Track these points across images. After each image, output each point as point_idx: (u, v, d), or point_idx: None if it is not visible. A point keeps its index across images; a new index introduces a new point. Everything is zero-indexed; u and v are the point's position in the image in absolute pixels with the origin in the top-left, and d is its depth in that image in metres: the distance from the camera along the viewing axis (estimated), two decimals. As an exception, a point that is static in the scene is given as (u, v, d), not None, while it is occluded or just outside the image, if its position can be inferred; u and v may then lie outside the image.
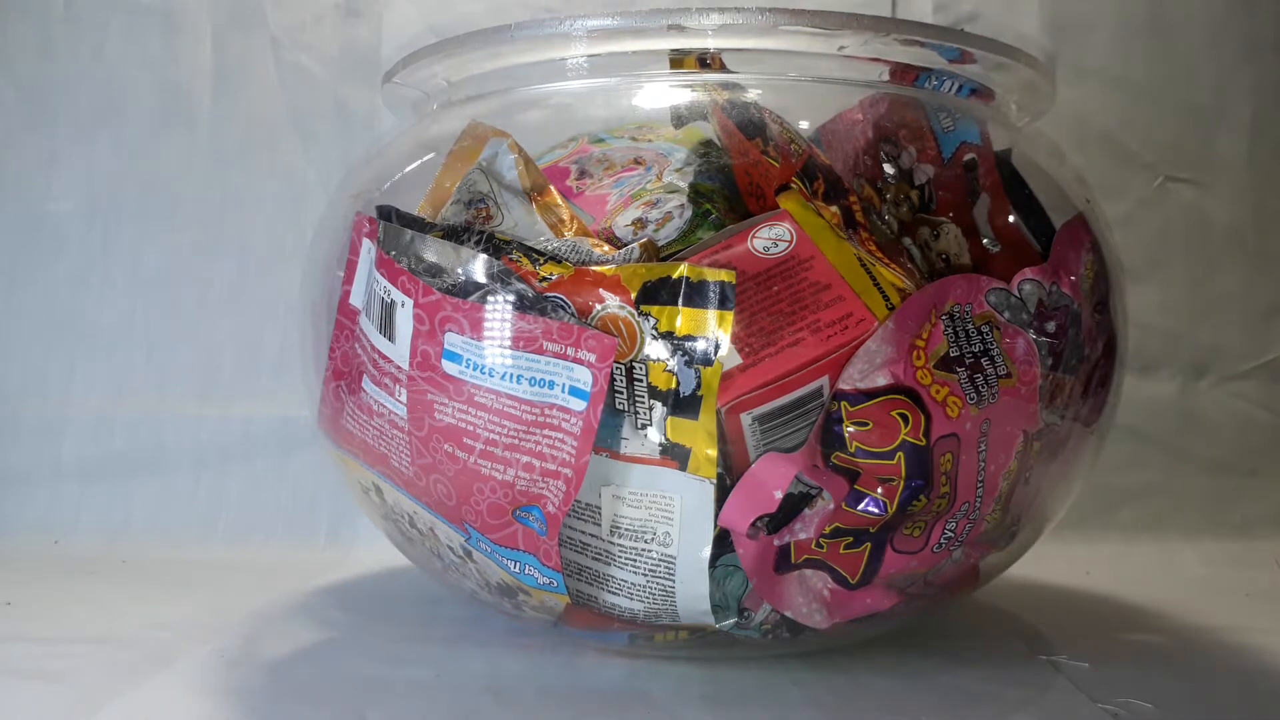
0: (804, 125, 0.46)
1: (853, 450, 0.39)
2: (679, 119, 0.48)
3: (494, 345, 0.39)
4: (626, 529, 0.40)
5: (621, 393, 0.38)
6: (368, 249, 0.43)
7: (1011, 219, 0.46)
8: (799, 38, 0.44)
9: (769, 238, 0.40)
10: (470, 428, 0.39)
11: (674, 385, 0.38)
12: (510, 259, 0.39)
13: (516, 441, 0.39)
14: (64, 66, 0.76)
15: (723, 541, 0.40)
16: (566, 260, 0.39)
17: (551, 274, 0.39)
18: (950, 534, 0.42)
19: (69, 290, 0.76)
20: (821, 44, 0.45)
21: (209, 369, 0.75)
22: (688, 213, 0.42)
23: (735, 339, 0.38)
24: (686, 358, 0.38)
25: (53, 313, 0.76)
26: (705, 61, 0.45)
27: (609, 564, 0.41)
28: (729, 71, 0.46)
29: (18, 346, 0.75)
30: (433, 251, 0.41)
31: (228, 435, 0.74)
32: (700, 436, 0.38)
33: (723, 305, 0.37)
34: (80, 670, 0.45)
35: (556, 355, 0.38)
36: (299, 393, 0.53)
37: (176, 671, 0.45)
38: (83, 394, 0.75)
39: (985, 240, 0.45)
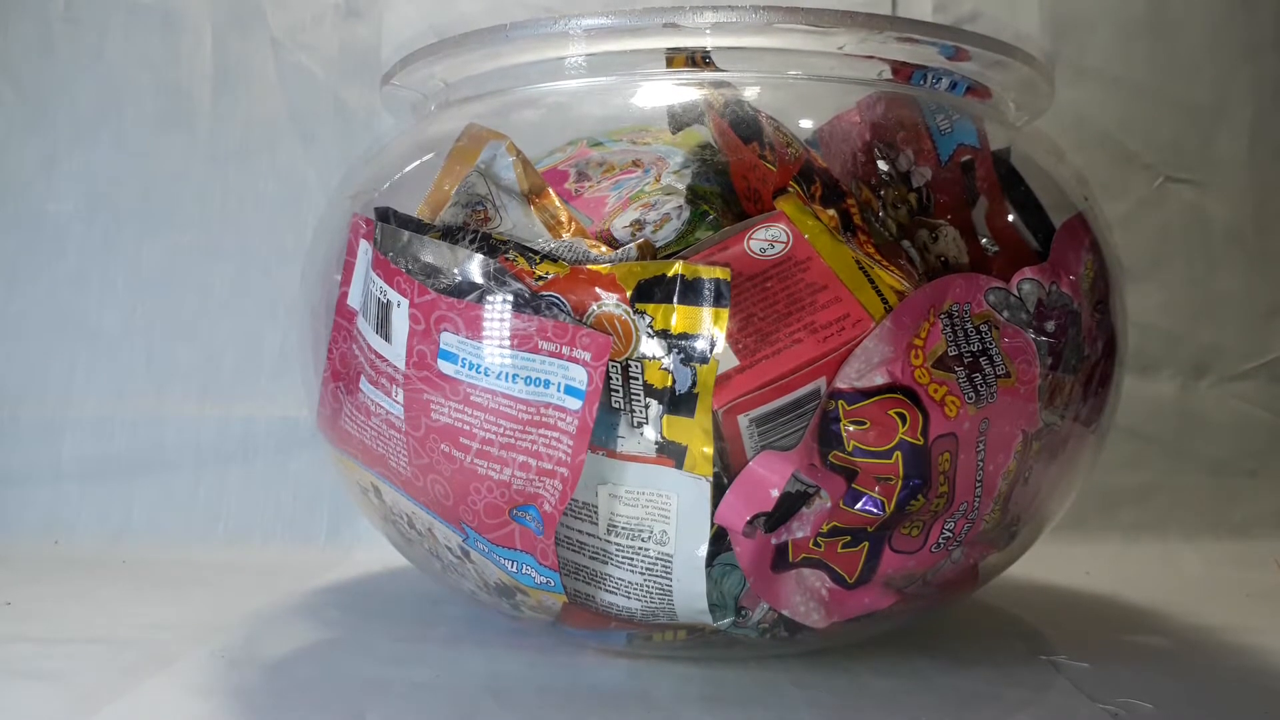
0: (804, 124, 0.46)
1: (850, 449, 0.39)
2: (675, 121, 0.48)
3: (489, 344, 0.39)
4: (623, 527, 0.40)
5: (617, 391, 0.38)
6: (364, 250, 0.43)
7: (1010, 219, 0.46)
8: (794, 36, 0.44)
9: (765, 239, 0.40)
10: (466, 427, 0.39)
11: (670, 383, 0.38)
12: (506, 258, 0.39)
13: (513, 441, 0.39)
14: (64, 66, 0.76)
15: (720, 540, 0.40)
16: (563, 260, 0.39)
17: (547, 273, 0.39)
18: (949, 534, 0.41)
19: (69, 290, 0.76)
20: (817, 42, 0.45)
21: (209, 369, 0.75)
22: (685, 214, 0.42)
23: (732, 340, 0.38)
24: (682, 355, 0.38)
25: (53, 313, 0.76)
26: (694, 60, 0.45)
27: (606, 563, 0.41)
28: (720, 70, 0.46)
29: (18, 347, 0.76)
30: (429, 252, 0.41)
31: (228, 435, 0.74)
32: (696, 434, 0.38)
33: (718, 303, 0.37)
34: (80, 670, 0.45)
35: (552, 354, 0.38)
36: (299, 393, 0.53)
37: (176, 672, 0.45)
38: (83, 394, 0.75)
39: (984, 242, 0.45)
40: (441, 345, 0.40)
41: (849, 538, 0.40)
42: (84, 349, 0.75)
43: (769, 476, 0.38)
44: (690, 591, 0.40)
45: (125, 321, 0.75)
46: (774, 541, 0.40)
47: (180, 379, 0.75)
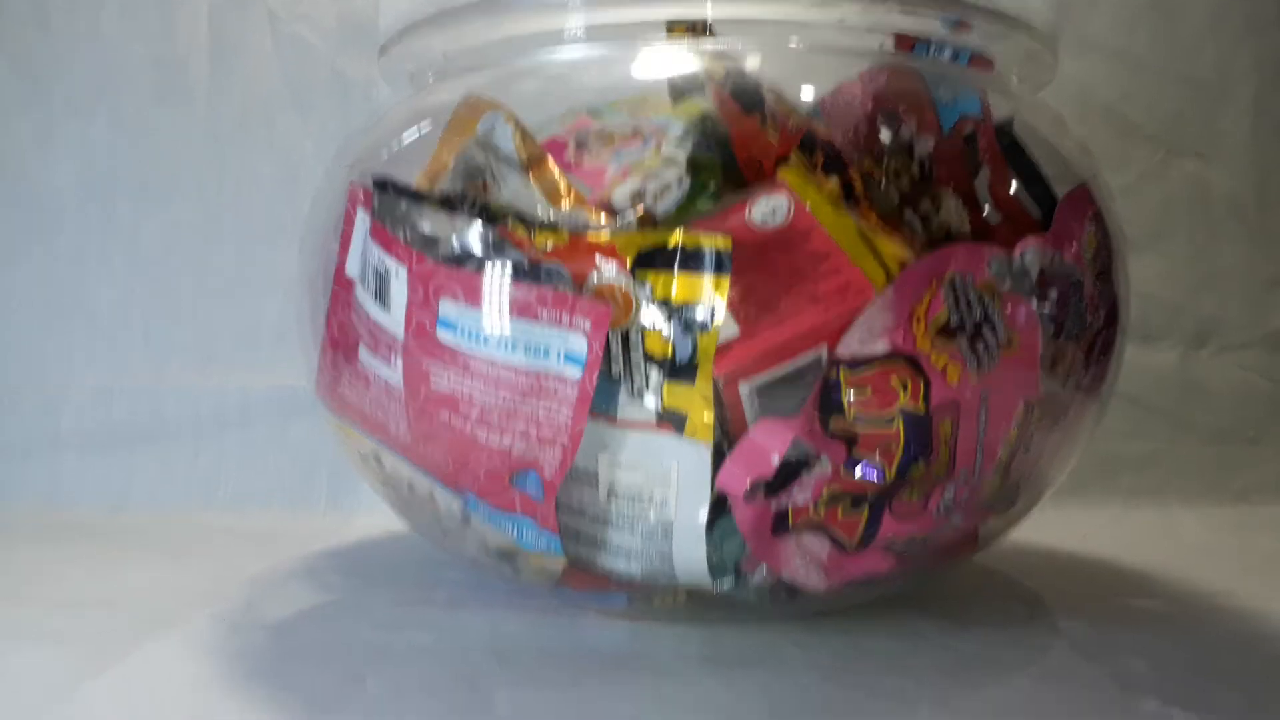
0: (806, 92, 0.46)
1: (851, 417, 0.39)
2: (675, 92, 0.48)
3: (489, 313, 0.39)
4: (624, 494, 0.40)
5: (618, 359, 0.38)
6: (362, 219, 0.43)
7: (1013, 189, 0.46)
8: (797, 6, 0.44)
9: (767, 209, 0.39)
10: (466, 396, 0.40)
11: (670, 351, 0.38)
12: (505, 227, 0.39)
13: (512, 409, 0.39)
14: (60, 42, 0.75)
15: (720, 506, 0.40)
16: (562, 229, 0.39)
17: (547, 242, 0.39)
18: (949, 500, 0.42)
19: (67, 267, 0.76)
20: (819, 12, 0.45)
21: (208, 337, 0.75)
22: (686, 184, 0.42)
23: (733, 309, 0.38)
24: (683, 324, 0.38)
25: (51, 289, 0.76)
26: (695, 30, 0.45)
27: (606, 528, 0.41)
28: (721, 40, 0.45)
29: (16, 323, 0.76)
30: (428, 221, 0.41)
31: (226, 403, 0.74)
32: (697, 401, 0.38)
33: (719, 271, 0.37)
34: (83, 633, 0.45)
35: (552, 322, 0.38)
36: (297, 361, 0.53)
37: (178, 634, 0.45)
38: (82, 371, 0.75)
39: (986, 211, 0.45)
40: (440, 314, 0.40)
41: (849, 503, 0.41)
42: (82, 325, 0.75)
43: (770, 443, 0.39)
44: (690, 556, 0.41)
45: (124, 296, 0.75)
46: (774, 507, 0.40)
47: (179, 348, 0.75)
